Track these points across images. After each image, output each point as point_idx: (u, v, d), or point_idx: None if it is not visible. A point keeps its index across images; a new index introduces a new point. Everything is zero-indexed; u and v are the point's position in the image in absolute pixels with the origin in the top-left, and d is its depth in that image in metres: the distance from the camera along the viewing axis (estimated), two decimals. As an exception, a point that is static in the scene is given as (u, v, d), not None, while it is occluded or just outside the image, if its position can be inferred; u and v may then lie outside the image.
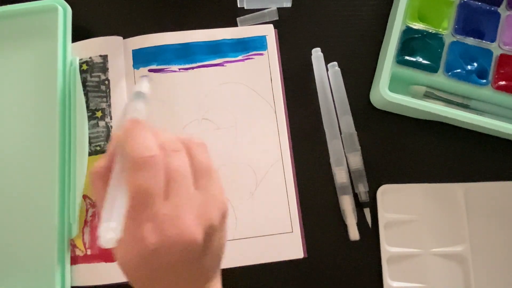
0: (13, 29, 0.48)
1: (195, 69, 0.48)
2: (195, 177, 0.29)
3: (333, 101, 0.48)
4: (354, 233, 0.45)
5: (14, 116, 0.47)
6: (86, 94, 0.47)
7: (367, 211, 0.46)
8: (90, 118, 0.46)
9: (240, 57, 0.49)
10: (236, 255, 0.44)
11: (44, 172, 0.45)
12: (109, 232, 0.26)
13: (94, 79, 0.47)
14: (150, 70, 0.48)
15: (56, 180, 0.44)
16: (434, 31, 0.48)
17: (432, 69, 0.47)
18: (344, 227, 0.46)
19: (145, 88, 0.32)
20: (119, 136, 0.29)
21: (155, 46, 0.48)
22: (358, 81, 0.49)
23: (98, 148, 0.46)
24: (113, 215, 0.27)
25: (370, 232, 0.46)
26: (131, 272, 0.28)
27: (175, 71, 0.48)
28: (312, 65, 0.49)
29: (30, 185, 0.45)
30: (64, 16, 0.48)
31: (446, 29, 0.48)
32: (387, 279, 0.45)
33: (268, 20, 0.50)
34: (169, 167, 0.27)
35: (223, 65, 0.48)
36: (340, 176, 0.46)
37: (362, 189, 0.46)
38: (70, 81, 0.47)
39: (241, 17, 0.50)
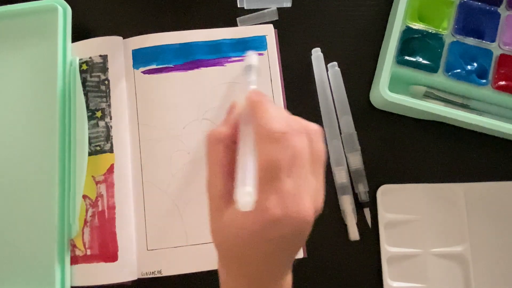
0: (13, 29, 0.48)
1: (195, 69, 0.48)
2: (312, 162, 0.30)
3: (333, 101, 0.48)
4: (354, 233, 0.45)
5: (14, 116, 0.47)
6: (86, 94, 0.47)
7: (367, 211, 0.46)
8: (90, 118, 0.46)
9: (240, 57, 0.49)
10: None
11: (44, 172, 0.45)
12: (246, 196, 0.27)
13: (94, 79, 0.47)
14: (150, 70, 0.48)
15: (56, 180, 0.44)
16: (434, 31, 0.48)
17: (432, 69, 0.47)
18: (344, 227, 0.46)
19: (255, 61, 0.35)
20: (245, 106, 0.30)
21: (155, 46, 0.48)
22: (358, 81, 0.49)
23: (98, 148, 0.46)
24: (248, 180, 0.28)
25: (370, 232, 0.46)
26: (241, 243, 0.29)
27: (175, 71, 0.48)
28: (312, 65, 0.49)
29: (30, 185, 0.45)
30: (64, 16, 0.48)
31: (446, 29, 0.48)
32: (387, 279, 0.45)
33: (268, 20, 0.50)
34: (295, 147, 0.28)
35: (223, 65, 0.48)
36: (340, 176, 0.46)
37: (362, 189, 0.46)
38: (70, 81, 0.47)
39: (241, 17, 0.50)
